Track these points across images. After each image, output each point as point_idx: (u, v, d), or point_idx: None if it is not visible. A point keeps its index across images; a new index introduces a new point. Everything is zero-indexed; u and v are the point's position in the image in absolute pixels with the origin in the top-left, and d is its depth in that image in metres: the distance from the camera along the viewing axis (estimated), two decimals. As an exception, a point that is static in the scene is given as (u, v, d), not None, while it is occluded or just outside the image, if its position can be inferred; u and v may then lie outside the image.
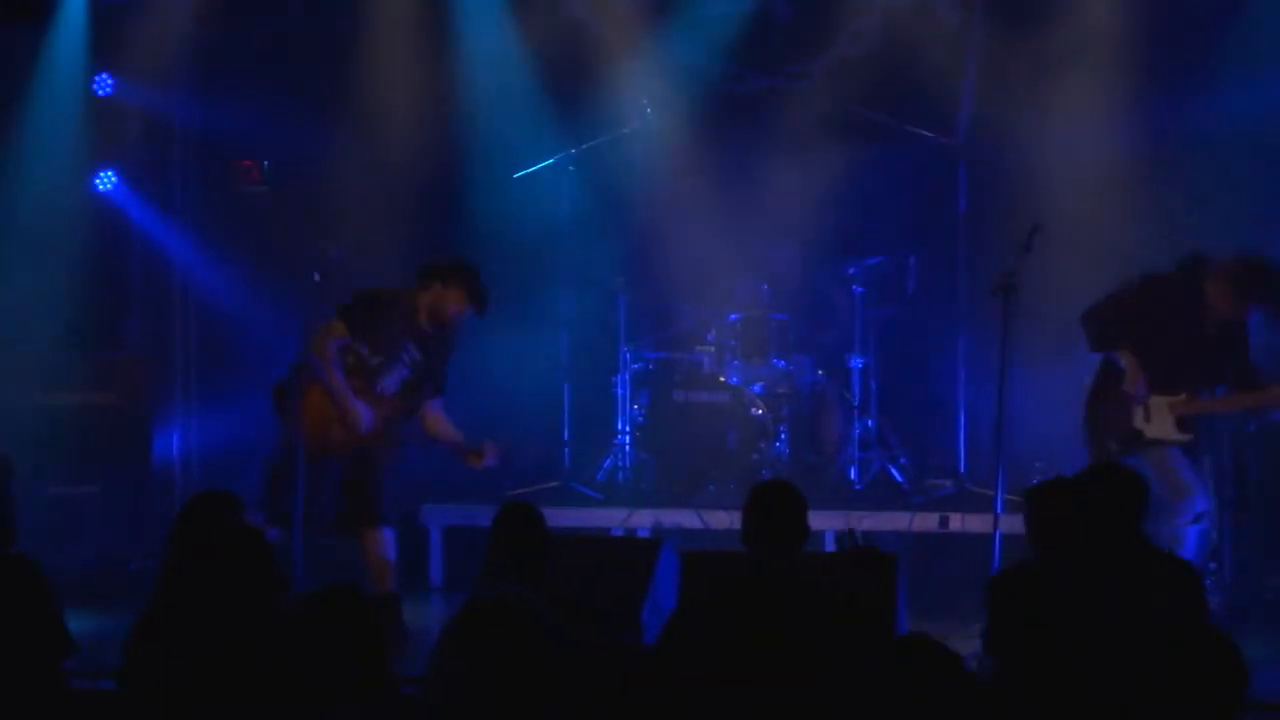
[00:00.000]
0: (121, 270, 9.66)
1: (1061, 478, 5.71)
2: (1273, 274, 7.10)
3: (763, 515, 4.90)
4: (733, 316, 9.11)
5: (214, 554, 4.31)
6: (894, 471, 8.94)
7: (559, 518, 8.00)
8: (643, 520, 8.41)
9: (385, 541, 7.06)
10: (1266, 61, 8.66)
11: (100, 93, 9.45)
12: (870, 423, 9.05)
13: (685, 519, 8.33)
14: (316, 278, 7.12)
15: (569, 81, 9.70)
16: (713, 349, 9.05)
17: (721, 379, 8.91)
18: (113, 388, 8.86)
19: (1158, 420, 7.25)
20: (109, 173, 9.47)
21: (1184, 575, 4.81)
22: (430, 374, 7.24)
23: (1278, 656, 6.73)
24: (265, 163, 9.67)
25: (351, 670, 3.66)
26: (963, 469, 8.77)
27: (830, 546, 8.25)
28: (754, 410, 8.77)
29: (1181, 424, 7.25)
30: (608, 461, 9.11)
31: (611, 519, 8.46)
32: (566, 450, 9.11)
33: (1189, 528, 7.06)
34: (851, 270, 9.06)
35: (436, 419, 7.30)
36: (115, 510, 8.71)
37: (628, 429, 9.05)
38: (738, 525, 5.06)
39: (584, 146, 9.23)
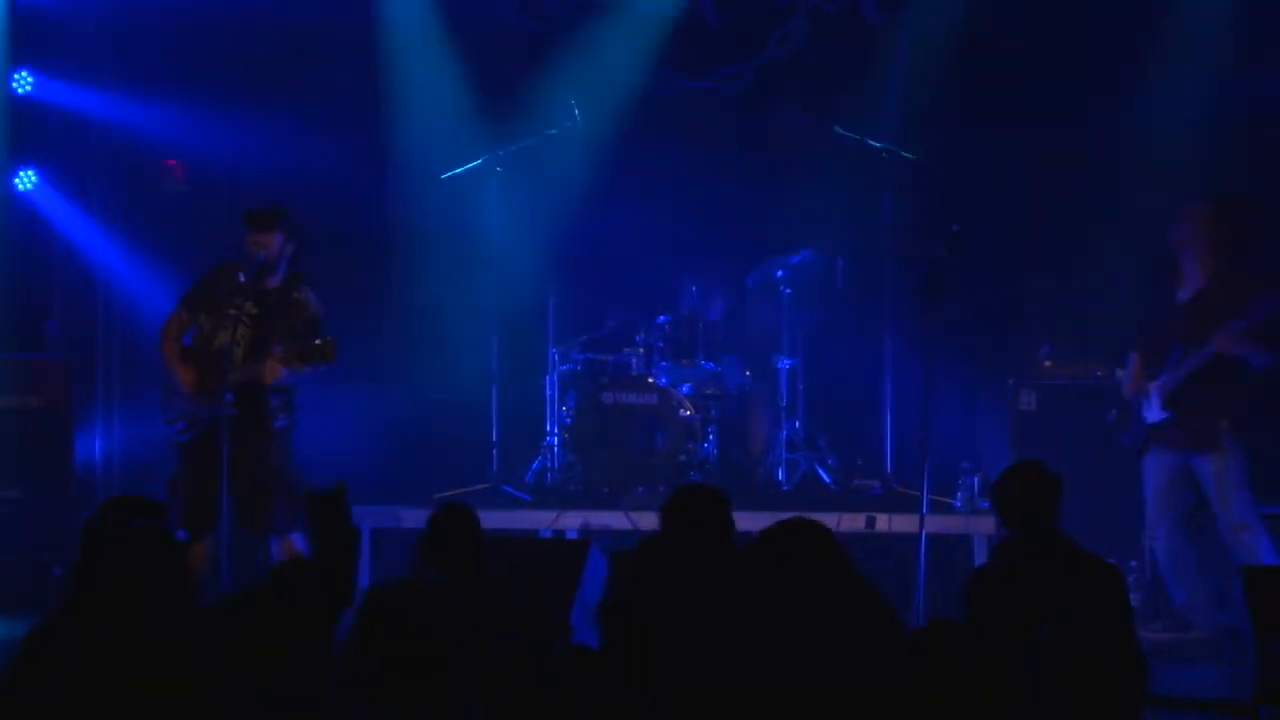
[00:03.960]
0: (42, 271, 9.53)
1: None
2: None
3: (679, 520, 4.89)
4: (661, 318, 9.13)
5: (123, 556, 4.24)
6: (822, 472, 8.97)
7: (487, 519, 7.88)
8: (571, 522, 8.38)
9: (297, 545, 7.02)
10: (1187, 65, 8.79)
11: (19, 91, 9.33)
12: (798, 424, 9.08)
13: (613, 520, 8.31)
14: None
15: (496, 82, 9.68)
16: (641, 350, 9.04)
17: (650, 380, 8.90)
18: (33, 390, 8.75)
19: (1153, 404, 6.88)
20: (29, 172, 9.35)
21: (1103, 574, 4.82)
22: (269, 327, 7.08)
23: (1195, 653, 6.85)
24: (188, 163, 9.57)
25: (279, 665, 3.63)
26: (889, 470, 8.82)
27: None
28: (682, 411, 8.77)
29: (1168, 403, 6.82)
30: (536, 463, 9.10)
31: (540, 520, 8.43)
32: (495, 452, 9.08)
33: (1158, 542, 6.82)
34: (779, 272, 9.09)
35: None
36: (37, 514, 8.59)
37: (556, 430, 9.03)
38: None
39: (512, 148, 9.20)
